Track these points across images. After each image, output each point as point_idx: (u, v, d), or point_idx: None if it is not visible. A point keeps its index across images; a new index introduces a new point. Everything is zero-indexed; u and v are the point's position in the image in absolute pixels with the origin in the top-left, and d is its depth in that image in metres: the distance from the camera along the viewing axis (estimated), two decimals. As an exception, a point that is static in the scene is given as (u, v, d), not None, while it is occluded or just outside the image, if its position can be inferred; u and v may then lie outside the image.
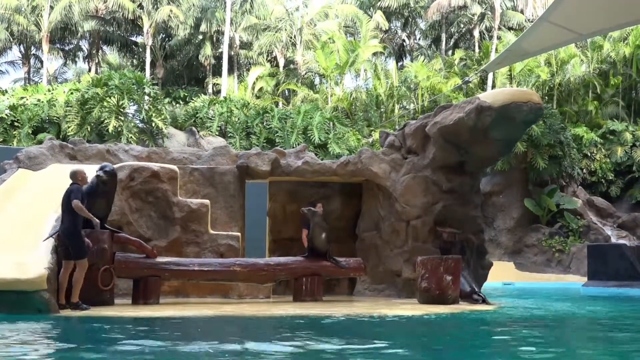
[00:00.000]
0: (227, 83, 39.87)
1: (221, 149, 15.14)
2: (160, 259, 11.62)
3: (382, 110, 34.82)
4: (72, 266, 10.07)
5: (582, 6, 10.85)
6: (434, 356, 6.27)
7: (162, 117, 28.02)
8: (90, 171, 12.56)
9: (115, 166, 12.83)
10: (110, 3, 40.04)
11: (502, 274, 24.61)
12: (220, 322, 9.17)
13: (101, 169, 11.07)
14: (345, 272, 13.33)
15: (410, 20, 49.42)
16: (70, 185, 10.35)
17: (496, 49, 36.47)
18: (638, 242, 25.18)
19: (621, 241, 27.00)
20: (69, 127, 25.92)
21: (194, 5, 40.91)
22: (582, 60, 35.75)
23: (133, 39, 45.58)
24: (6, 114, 26.18)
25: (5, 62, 45.72)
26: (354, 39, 42.89)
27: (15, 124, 26.21)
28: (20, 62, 45.22)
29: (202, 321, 9.21)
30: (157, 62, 42.23)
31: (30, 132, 25.97)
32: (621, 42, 35.84)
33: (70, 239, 10.04)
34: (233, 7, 40.71)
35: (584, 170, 31.73)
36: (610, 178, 31.96)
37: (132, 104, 27.65)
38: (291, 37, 42.14)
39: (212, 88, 42.07)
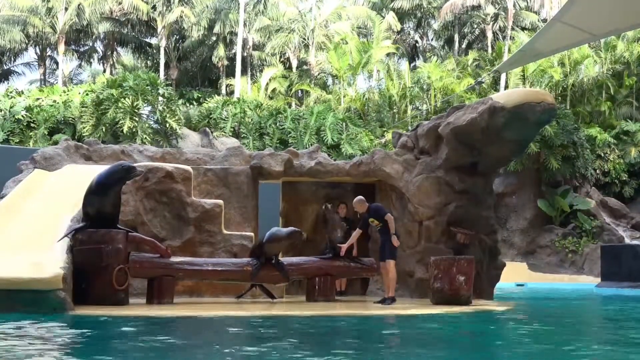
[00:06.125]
0: (240, 84, 39.98)
1: (235, 149, 15.20)
2: (174, 259, 11.69)
3: (394, 110, 34.80)
4: None
5: (595, 6, 10.84)
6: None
7: (176, 118, 28.12)
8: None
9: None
10: (125, 5, 40.28)
11: (515, 275, 24.56)
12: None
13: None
14: (357, 272, 13.38)
15: (423, 21, 49.38)
16: None
17: (509, 50, 36.35)
18: (652, 243, 25.07)
19: (635, 242, 26.90)
20: (84, 128, 26.07)
21: (207, 6, 41.06)
22: (595, 60, 35.59)
23: (147, 40, 45.85)
24: (22, 115, 26.37)
25: (21, 64, 46.11)
26: (367, 40, 42.88)
27: (32, 125, 26.39)
28: (36, 63, 45.56)
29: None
30: (171, 63, 42.43)
31: (46, 132, 26.14)
32: (635, 43, 35.66)
33: None
34: (246, 8, 40.83)
35: (598, 170, 31.58)
36: (624, 179, 31.80)
37: (146, 105, 27.78)
38: (304, 39, 42.22)
39: (226, 89, 42.19)
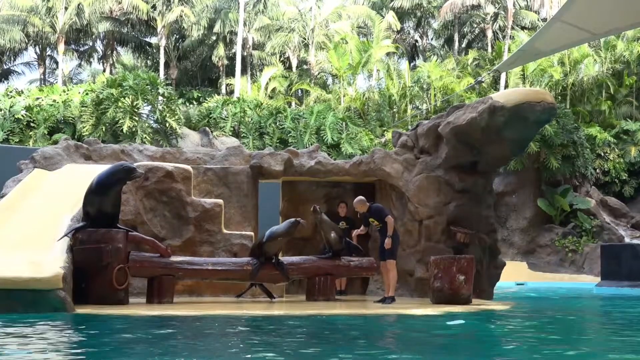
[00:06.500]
0: (240, 83, 39.97)
1: (234, 149, 15.20)
2: (174, 258, 11.69)
3: (394, 110, 34.79)
4: None
5: (595, 5, 10.84)
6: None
7: (176, 117, 28.12)
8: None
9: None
10: (125, 4, 40.28)
11: (515, 274, 24.54)
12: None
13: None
14: (357, 271, 13.38)
15: (423, 20, 49.38)
16: None
17: (509, 49, 36.33)
18: (652, 242, 25.05)
19: (635, 241, 26.87)
20: (84, 128, 26.07)
21: (207, 6, 41.07)
22: (595, 60, 35.57)
23: (147, 40, 45.84)
24: (22, 115, 26.35)
25: (21, 63, 46.08)
26: (367, 39, 42.89)
27: (31, 124, 26.37)
28: (36, 63, 45.54)
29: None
30: (171, 62, 42.43)
31: (46, 132, 26.13)
32: (635, 42, 35.64)
33: None
34: (246, 7, 40.83)
35: (598, 170, 31.55)
36: (624, 178, 31.78)
37: (146, 104, 27.77)
38: (304, 38, 42.22)
39: (226, 88, 42.20)
